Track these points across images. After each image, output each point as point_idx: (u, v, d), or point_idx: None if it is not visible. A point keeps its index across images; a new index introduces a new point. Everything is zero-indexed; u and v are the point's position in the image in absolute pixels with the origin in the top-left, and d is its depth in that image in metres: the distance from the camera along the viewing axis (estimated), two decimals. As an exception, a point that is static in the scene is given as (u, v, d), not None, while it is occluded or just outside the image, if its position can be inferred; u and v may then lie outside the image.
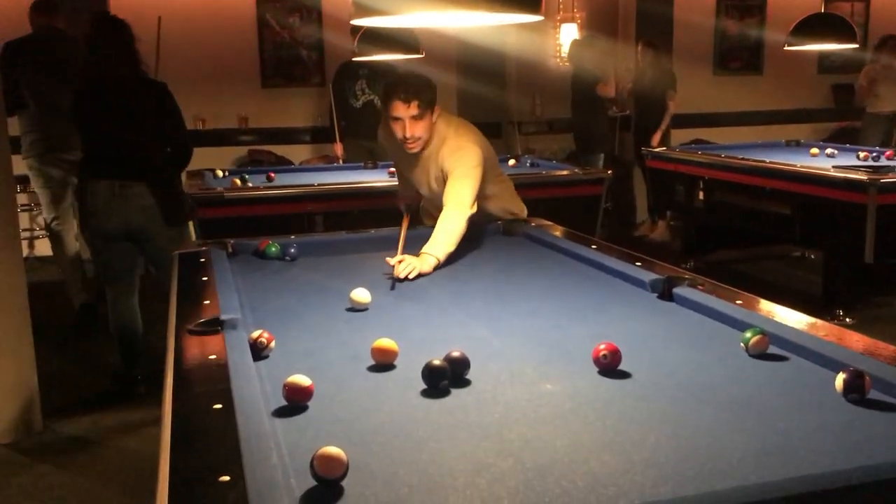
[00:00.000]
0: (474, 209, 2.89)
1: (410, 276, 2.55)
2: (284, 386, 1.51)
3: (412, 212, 3.35)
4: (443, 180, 3.01)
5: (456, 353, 1.65)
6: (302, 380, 1.52)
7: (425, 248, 2.70)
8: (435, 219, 2.91)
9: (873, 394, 1.48)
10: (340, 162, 6.16)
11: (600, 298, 2.29)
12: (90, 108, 3.80)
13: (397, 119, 2.96)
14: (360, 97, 6.25)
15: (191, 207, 4.01)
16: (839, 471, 1.17)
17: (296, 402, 1.51)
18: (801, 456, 1.26)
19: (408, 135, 2.97)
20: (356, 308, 2.22)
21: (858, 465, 1.19)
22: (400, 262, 2.58)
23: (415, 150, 3.05)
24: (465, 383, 1.62)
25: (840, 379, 1.49)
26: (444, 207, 2.87)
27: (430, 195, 3.22)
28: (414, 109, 2.91)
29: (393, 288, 2.46)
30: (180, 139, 3.87)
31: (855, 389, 1.47)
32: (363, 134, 6.16)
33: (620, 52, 7.68)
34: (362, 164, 5.57)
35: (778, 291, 2.09)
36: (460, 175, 2.91)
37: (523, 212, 3.39)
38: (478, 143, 3.06)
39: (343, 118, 6.18)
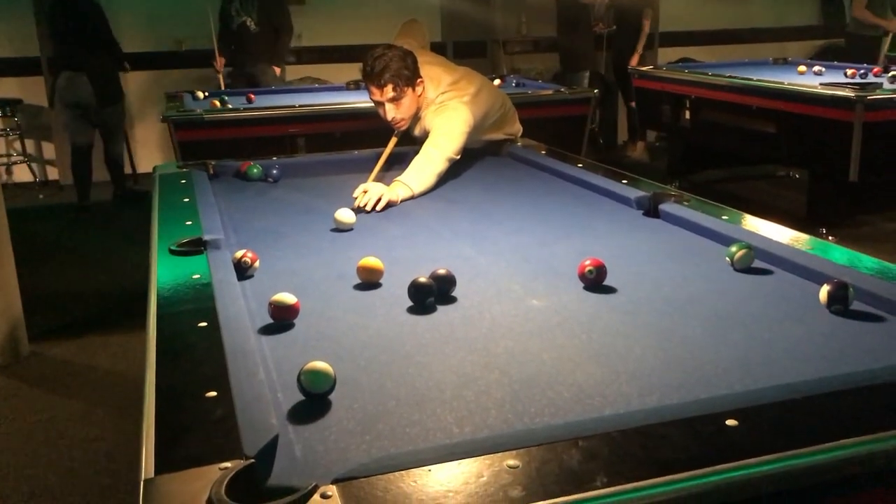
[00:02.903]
0: (457, 157, 2.77)
1: (378, 208, 2.41)
2: (270, 304, 1.51)
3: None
4: None
5: (442, 271, 1.65)
6: (287, 297, 1.51)
7: (399, 177, 2.58)
8: None
9: (856, 305, 1.49)
10: (220, 76, 6.08)
11: (586, 216, 2.28)
12: (58, 23, 5.74)
13: (377, 103, 2.83)
14: (236, 18, 6.09)
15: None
16: (822, 378, 1.18)
17: (282, 319, 1.51)
18: (784, 365, 1.28)
19: (388, 118, 2.84)
20: (341, 229, 2.19)
21: (841, 373, 1.20)
22: (365, 191, 2.43)
23: (402, 128, 2.91)
24: (451, 300, 1.62)
25: (824, 291, 1.50)
26: (424, 146, 2.74)
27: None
28: (389, 92, 2.76)
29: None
30: (113, 44, 5.90)
31: (839, 300, 1.48)
32: (239, 60, 6.13)
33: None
34: (345, 85, 5.47)
35: (762, 210, 2.10)
36: (441, 126, 2.78)
37: (519, 132, 3.33)
38: (469, 100, 2.90)
39: (226, 41, 6.10)
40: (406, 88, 2.79)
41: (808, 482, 0.97)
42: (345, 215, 2.20)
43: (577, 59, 6.95)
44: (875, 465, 0.99)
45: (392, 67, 2.74)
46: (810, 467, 0.96)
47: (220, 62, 6.09)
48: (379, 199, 2.42)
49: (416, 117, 2.92)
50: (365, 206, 2.40)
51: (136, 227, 5.27)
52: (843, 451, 0.98)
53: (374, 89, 2.80)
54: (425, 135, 2.86)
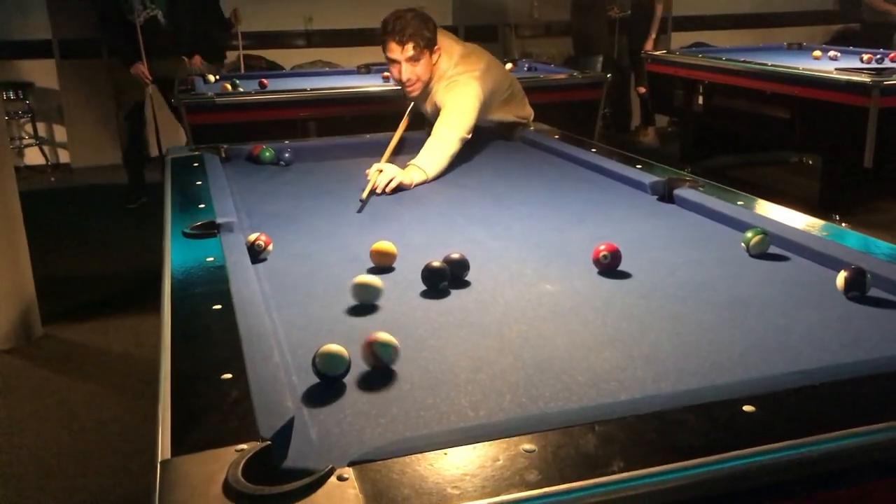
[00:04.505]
0: (469, 136, 2.75)
1: (388, 189, 2.39)
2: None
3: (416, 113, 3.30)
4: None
5: (455, 255, 1.64)
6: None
7: (413, 161, 2.56)
8: None
9: (872, 291, 1.48)
10: (150, 88, 5.51)
11: (600, 201, 2.27)
12: None
13: (393, 61, 2.81)
14: (143, 13, 5.40)
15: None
16: (839, 365, 1.18)
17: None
18: (801, 351, 1.27)
19: (403, 78, 2.82)
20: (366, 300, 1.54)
21: (858, 360, 1.20)
22: (379, 171, 2.41)
23: (414, 94, 2.90)
24: (464, 285, 1.62)
25: (841, 277, 1.49)
26: (436, 126, 2.73)
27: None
28: (409, 51, 2.75)
29: (360, 210, 2.21)
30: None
31: (856, 287, 1.47)
32: (153, 54, 5.42)
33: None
34: (356, 68, 5.45)
35: (775, 196, 2.08)
36: (452, 103, 2.77)
37: (530, 116, 3.31)
38: (479, 76, 2.88)
39: (122, 37, 5.38)
40: (425, 50, 2.80)
41: (826, 469, 0.96)
42: (370, 280, 1.54)
43: (591, 43, 6.90)
44: (890, 453, 0.98)
45: (414, 26, 2.75)
46: (828, 454, 0.95)
47: (146, 69, 5.40)
48: (391, 181, 2.41)
49: (426, 90, 2.91)
50: (375, 187, 2.38)
51: (149, 210, 5.30)
52: (862, 439, 0.97)
53: (393, 45, 2.79)
54: (436, 111, 2.85)
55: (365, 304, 1.51)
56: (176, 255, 1.70)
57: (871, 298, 1.47)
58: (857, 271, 1.47)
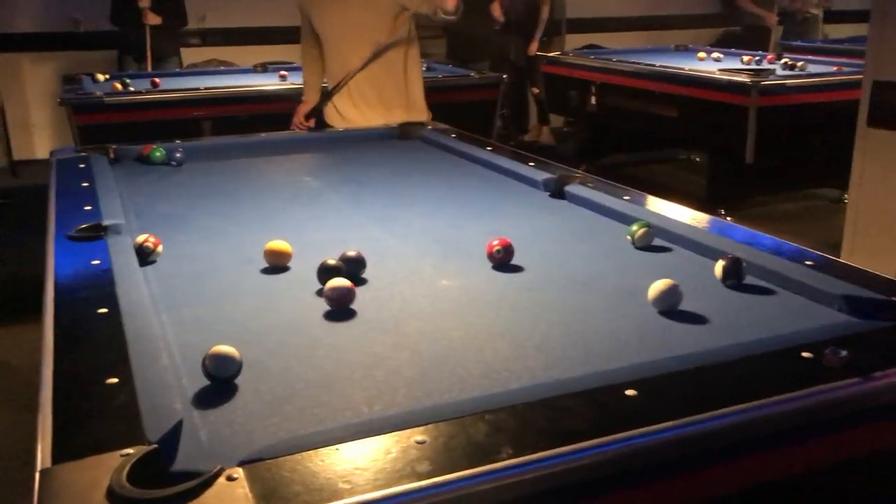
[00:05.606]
0: None
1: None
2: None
3: (319, 112, 3.33)
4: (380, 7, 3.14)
5: (351, 253, 1.64)
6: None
7: None
8: (356, 104, 3.19)
9: (750, 279, 1.56)
10: None
11: (495, 198, 2.31)
12: None
13: None
14: None
15: None
16: (716, 349, 1.24)
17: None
18: (680, 337, 1.33)
19: None
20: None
21: (733, 343, 1.26)
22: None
23: None
24: (361, 282, 1.62)
25: (719, 266, 1.56)
26: None
27: (358, 43, 3.26)
28: None
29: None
30: None
31: (733, 275, 1.54)
32: None
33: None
34: (252, 67, 5.36)
35: (666, 192, 2.18)
36: None
37: (429, 117, 3.36)
38: None
39: None
40: None
41: (704, 447, 1.01)
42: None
43: (474, 49, 6.69)
44: (761, 429, 1.04)
45: None
46: (705, 433, 1.01)
47: None
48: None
49: None
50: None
51: (30, 215, 5.04)
52: (735, 417, 1.03)
53: None
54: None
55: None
56: (59, 259, 1.64)
57: (748, 286, 1.55)
58: (733, 260, 1.55)
